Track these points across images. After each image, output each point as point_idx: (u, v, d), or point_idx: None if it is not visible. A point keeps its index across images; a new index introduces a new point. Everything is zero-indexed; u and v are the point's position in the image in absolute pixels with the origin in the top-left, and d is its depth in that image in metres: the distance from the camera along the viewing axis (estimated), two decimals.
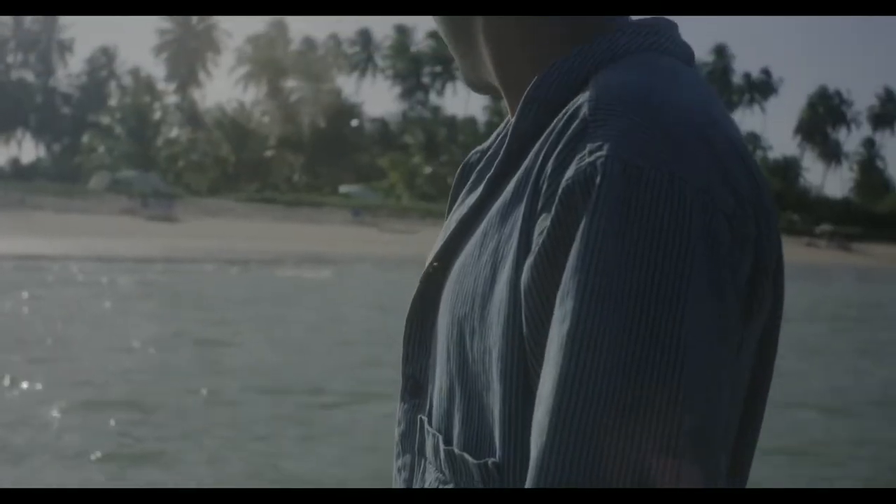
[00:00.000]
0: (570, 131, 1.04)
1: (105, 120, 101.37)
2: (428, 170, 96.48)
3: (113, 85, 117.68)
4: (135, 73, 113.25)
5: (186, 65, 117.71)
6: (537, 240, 1.02)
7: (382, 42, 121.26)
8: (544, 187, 1.04)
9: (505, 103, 1.26)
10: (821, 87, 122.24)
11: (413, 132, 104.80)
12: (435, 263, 1.21)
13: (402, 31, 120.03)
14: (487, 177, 1.18)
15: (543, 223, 1.02)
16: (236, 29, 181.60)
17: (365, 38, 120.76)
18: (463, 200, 1.24)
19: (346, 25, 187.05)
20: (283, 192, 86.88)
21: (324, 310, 24.03)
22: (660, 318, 0.94)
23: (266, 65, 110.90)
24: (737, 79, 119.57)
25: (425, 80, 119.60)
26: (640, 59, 1.13)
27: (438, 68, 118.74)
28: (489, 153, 1.27)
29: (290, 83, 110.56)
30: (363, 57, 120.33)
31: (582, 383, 0.94)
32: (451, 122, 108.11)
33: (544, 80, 1.14)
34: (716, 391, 0.96)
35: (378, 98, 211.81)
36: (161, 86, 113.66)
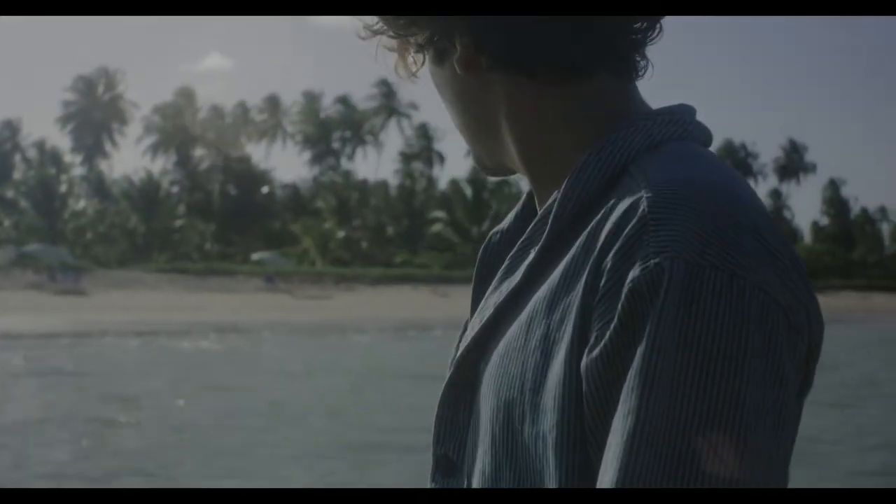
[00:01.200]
0: (629, 228, 1.09)
1: (9, 193, 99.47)
2: (341, 234, 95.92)
3: (17, 158, 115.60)
4: (40, 145, 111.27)
5: (92, 136, 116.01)
6: (600, 332, 1.07)
7: (291, 108, 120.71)
8: (603, 282, 1.09)
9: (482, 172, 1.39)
10: (726, 141, 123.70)
11: (325, 197, 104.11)
12: (470, 348, 1.26)
13: (310, 97, 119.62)
14: (526, 264, 1.23)
15: (606, 316, 1.07)
16: (143, 99, 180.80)
17: (273, 104, 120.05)
18: (498, 286, 1.26)
19: (254, 93, 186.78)
20: (194, 262, 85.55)
21: (227, 380, 23.32)
22: (721, 415, 1.00)
23: (174, 134, 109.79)
24: None
25: (335, 144, 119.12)
26: (677, 148, 1.19)
27: (348, 133, 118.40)
28: (520, 236, 1.29)
29: (199, 151, 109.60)
30: (272, 123, 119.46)
31: (643, 481, 1.01)
32: (363, 187, 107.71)
33: (584, 170, 1.20)
34: (774, 474, 1.04)
35: (288, 164, 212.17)
36: (67, 157, 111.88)
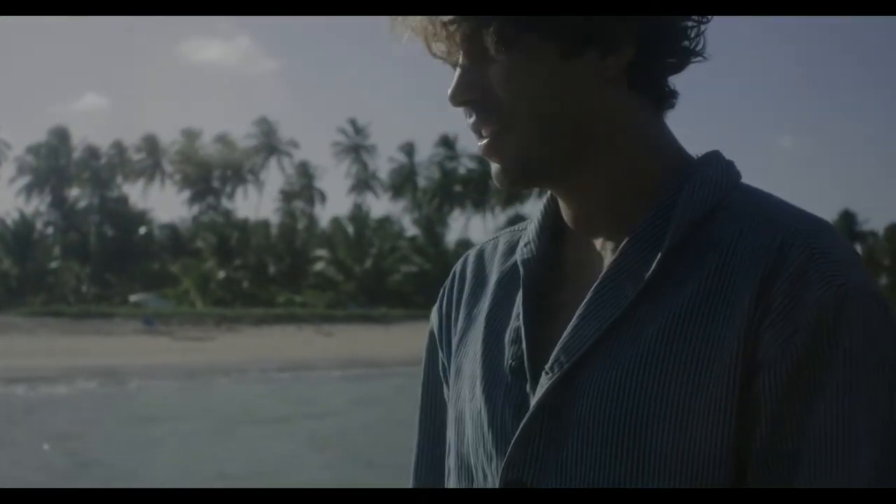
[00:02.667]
0: (794, 257, 1.19)
1: None
2: (222, 274, 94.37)
3: None
4: None
5: None
6: (783, 349, 1.17)
7: (169, 147, 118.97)
8: (776, 305, 1.18)
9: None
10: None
11: (205, 237, 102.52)
12: (562, 381, 1.27)
13: (189, 135, 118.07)
14: (629, 293, 1.26)
15: (786, 333, 1.17)
16: (15, 139, 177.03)
17: (151, 143, 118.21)
18: (589, 314, 1.28)
19: (132, 132, 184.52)
20: (70, 305, 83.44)
21: (81, 428, 22.45)
22: None
23: (48, 174, 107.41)
24: None
25: (215, 183, 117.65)
26: (755, 189, 1.33)
27: (228, 172, 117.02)
28: (557, 256, 1.38)
29: (75, 192, 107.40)
30: (150, 163, 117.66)
31: (838, 478, 1.16)
32: (244, 226, 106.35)
33: (691, 202, 1.28)
34: None
35: (167, 204, 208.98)
36: None
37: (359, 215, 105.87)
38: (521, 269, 1.38)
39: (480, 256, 1.49)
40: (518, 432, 1.29)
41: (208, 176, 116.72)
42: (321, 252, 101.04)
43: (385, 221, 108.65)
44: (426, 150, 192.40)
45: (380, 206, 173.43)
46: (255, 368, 42.35)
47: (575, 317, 1.29)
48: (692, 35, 1.30)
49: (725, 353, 1.19)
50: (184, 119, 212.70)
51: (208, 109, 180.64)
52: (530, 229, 1.41)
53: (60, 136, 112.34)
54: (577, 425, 1.25)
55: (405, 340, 50.63)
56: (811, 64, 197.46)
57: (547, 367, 1.28)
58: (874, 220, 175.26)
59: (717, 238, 1.25)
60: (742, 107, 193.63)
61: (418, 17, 1.30)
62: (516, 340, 1.35)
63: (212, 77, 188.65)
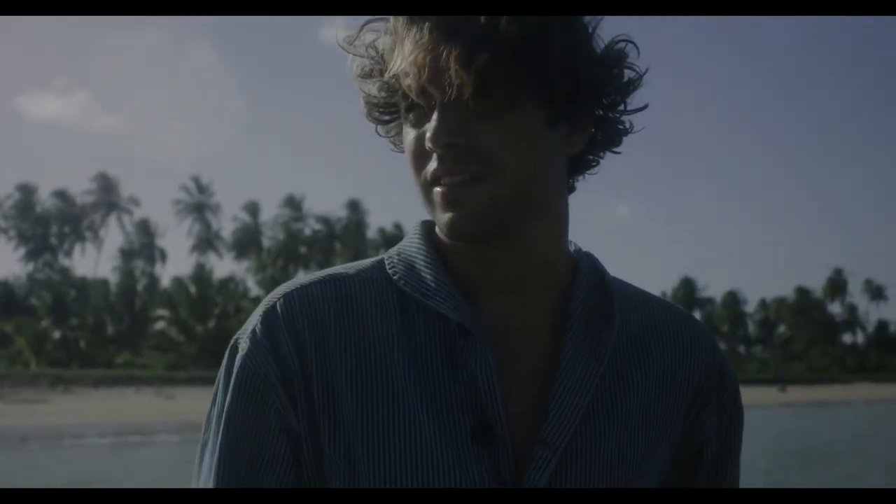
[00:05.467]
0: (716, 355, 1.54)
1: None
2: (58, 334, 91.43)
3: None
4: None
5: None
6: (719, 431, 1.55)
7: (4, 201, 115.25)
8: (715, 395, 1.53)
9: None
10: None
11: (40, 295, 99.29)
12: (561, 444, 1.39)
13: (25, 190, 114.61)
14: (603, 363, 1.44)
15: (723, 419, 1.55)
16: None
17: None
18: (571, 380, 1.41)
19: None
20: None
21: None
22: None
23: None
24: (371, 233, 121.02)
25: (53, 240, 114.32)
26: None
27: (66, 228, 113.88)
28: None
29: None
30: None
31: None
32: (82, 284, 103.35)
33: (595, 271, 1.50)
34: None
35: (1, 260, 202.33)
36: None
37: (201, 275, 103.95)
38: (468, 329, 1.39)
39: (320, 300, 1.43)
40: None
41: (45, 232, 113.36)
42: (162, 312, 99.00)
43: (229, 282, 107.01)
44: (271, 210, 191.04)
45: (223, 266, 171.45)
46: (92, 433, 40.39)
47: (557, 393, 1.39)
48: (627, 126, 1.46)
49: (676, 431, 1.49)
50: (19, 174, 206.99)
51: (45, 165, 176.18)
52: (431, 282, 1.43)
53: None
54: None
55: None
56: (646, 124, 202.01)
57: (545, 443, 1.37)
58: (712, 287, 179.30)
59: (646, 322, 1.51)
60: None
61: (442, 48, 1.33)
62: (483, 408, 1.37)
63: (49, 132, 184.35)
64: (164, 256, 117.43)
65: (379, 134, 1.48)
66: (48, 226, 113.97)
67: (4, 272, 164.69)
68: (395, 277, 1.44)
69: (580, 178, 1.48)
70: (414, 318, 1.41)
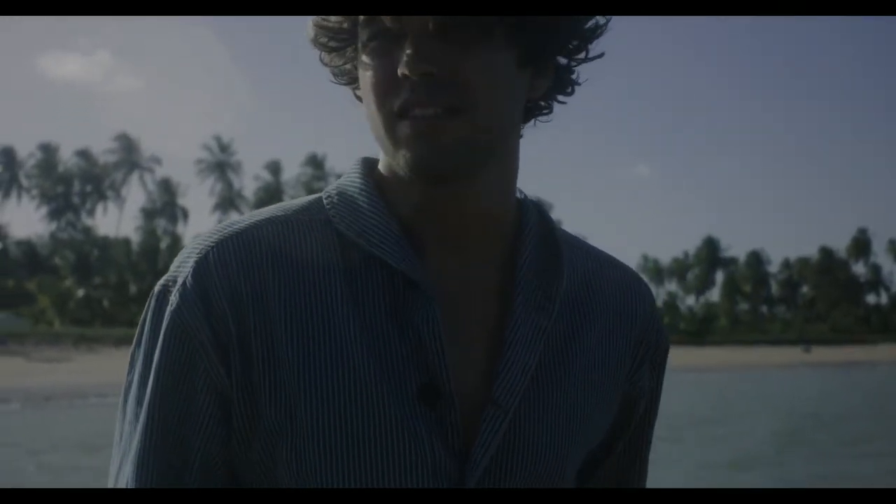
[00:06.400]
0: (654, 312, 1.51)
1: None
2: (81, 293, 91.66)
3: None
4: None
5: None
6: (649, 391, 1.52)
7: (27, 160, 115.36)
8: (651, 353, 1.50)
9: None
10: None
11: (63, 254, 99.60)
12: (513, 404, 1.33)
13: (47, 150, 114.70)
14: (551, 319, 1.38)
15: (653, 377, 1.52)
16: None
17: (8, 156, 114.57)
18: (519, 338, 1.35)
19: None
20: None
21: None
22: None
23: None
24: None
25: (75, 199, 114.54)
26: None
27: (89, 187, 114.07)
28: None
29: None
30: (6, 177, 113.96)
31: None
32: (104, 243, 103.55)
33: (542, 220, 1.44)
34: None
35: (24, 219, 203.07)
36: None
37: None
38: (414, 281, 1.31)
39: (256, 247, 1.32)
40: (479, 463, 1.31)
41: (67, 191, 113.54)
42: None
43: None
44: (293, 170, 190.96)
45: None
46: (114, 392, 40.42)
47: (507, 352, 1.34)
48: (576, 77, 1.39)
49: (621, 383, 1.46)
50: (41, 133, 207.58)
51: (67, 125, 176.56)
52: (375, 226, 1.34)
53: None
54: (525, 455, 1.35)
55: None
56: (670, 88, 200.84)
57: (496, 404, 1.32)
58: (735, 247, 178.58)
59: (594, 276, 1.46)
60: (594, 136, 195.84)
61: None
62: (431, 367, 1.30)
63: (71, 92, 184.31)
64: (186, 215, 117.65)
65: (323, 62, 1.38)
66: (70, 185, 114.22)
67: (28, 231, 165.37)
68: (335, 220, 1.35)
69: (530, 124, 1.40)
70: (356, 266, 1.33)
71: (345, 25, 1.32)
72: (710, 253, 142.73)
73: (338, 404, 1.28)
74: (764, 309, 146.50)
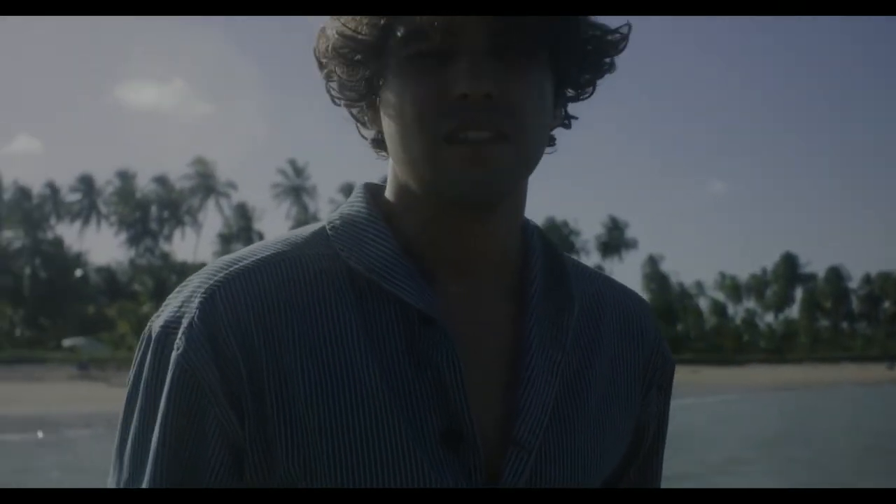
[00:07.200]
0: (659, 333, 1.47)
1: None
2: None
3: None
4: None
5: None
6: (657, 414, 1.47)
7: (105, 188, 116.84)
8: (658, 375, 1.45)
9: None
10: (548, 219, 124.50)
11: (142, 279, 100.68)
12: (535, 444, 1.28)
13: (125, 177, 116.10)
14: (565, 351, 1.32)
15: (660, 399, 1.47)
16: None
17: (86, 184, 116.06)
18: (537, 374, 1.29)
19: (67, 173, 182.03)
20: (3, 349, 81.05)
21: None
22: None
23: None
24: None
25: (153, 225, 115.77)
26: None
27: (166, 213, 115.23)
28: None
29: (7, 233, 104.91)
30: (86, 204, 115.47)
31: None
32: (182, 269, 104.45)
33: (546, 247, 1.39)
34: None
35: (104, 246, 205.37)
36: None
37: None
38: (431, 317, 1.25)
39: (267, 286, 1.24)
40: None
41: (145, 217, 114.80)
42: None
43: None
44: None
45: None
46: None
47: (525, 388, 1.28)
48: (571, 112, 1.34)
49: (633, 410, 1.42)
50: (119, 161, 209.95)
51: (144, 151, 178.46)
52: (386, 259, 1.27)
53: None
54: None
55: None
56: (742, 106, 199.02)
57: (519, 444, 1.26)
58: (815, 263, 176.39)
59: (598, 302, 1.41)
60: (667, 154, 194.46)
61: None
62: (453, 410, 1.23)
63: (147, 119, 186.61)
64: (261, 239, 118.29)
65: (331, 75, 1.29)
66: (148, 211, 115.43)
67: (107, 258, 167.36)
68: (343, 253, 1.27)
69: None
70: (368, 301, 1.26)
71: (377, 39, 1.23)
72: (789, 269, 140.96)
73: (360, 451, 1.21)
74: (845, 325, 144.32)
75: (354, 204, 1.32)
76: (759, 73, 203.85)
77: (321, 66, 1.30)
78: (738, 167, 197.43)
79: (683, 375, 79.96)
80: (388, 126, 1.25)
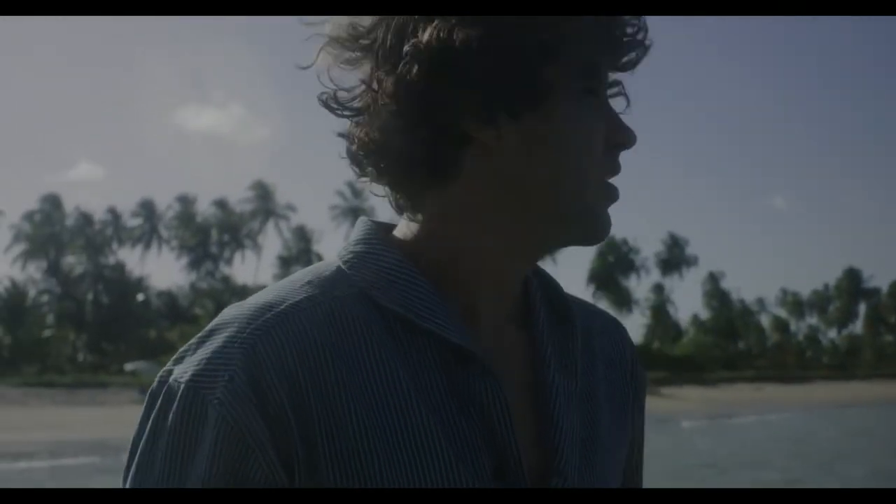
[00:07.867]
0: (635, 354, 1.49)
1: None
2: None
3: None
4: None
5: None
6: (639, 424, 1.50)
7: (166, 212, 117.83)
8: (640, 395, 1.49)
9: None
10: (607, 238, 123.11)
11: (203, 303, 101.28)
12: (573, 473, 1.31)
13: (185, 201, 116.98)
14: (576, 380, 1.36)
15: (640, 418, 1.50)
16: (9, 207, 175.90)
17: (147, 209, 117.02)
18: (563, 383, 1.34)
19: (127, 199, 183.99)
20: (65, 374, 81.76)
21: None
22: None
23: (44, 242, 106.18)
24: None
25: (213, 249, 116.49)
26: None
27: (226, 237, 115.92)
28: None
29: (70, 259, 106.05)
30: (146, 228, 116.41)
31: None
32: (242, 292, 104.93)
33: (538, 272, 1.42)
34: None
35: (164, 270, 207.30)
36: None
37: None
38: (470, 355, 1.25)
39: (309, 331, 1.21)
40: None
41: (206, 241, 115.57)
42: None
43: None
44: None
45: None
46: None
47: (557, 421, 1.31)
48: None
49: (628, 432, 1.46)
50: (179, 185, 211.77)
51: (203, 176, 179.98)
52: (422, 297, 1.25)
53: (53, 203, 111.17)
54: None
55: None
56: (803, 120, 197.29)
57: (562, 475, 1.29)
58: (878, 277, 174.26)
59: (585, 325, 1.42)
60: (727, 170, 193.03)
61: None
62: (502, 447, 1.24)
63: (206, 143, 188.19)
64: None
65: (430, 107, 1.24)
66: (208, 235, 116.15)
67: (168, 282, 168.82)
68: (372, 293, 1.25)
69: None
70: (403, 340, 1.24)
71: (546, 73, 1.22)
72: (852, 284, 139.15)
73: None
74: None
75: (370, 242, 1.31)
76: (819, 89, 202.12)
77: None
78: (799, 182, 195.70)
79: (746, 393, 79.14)
80: (541, 157, 1.24)
